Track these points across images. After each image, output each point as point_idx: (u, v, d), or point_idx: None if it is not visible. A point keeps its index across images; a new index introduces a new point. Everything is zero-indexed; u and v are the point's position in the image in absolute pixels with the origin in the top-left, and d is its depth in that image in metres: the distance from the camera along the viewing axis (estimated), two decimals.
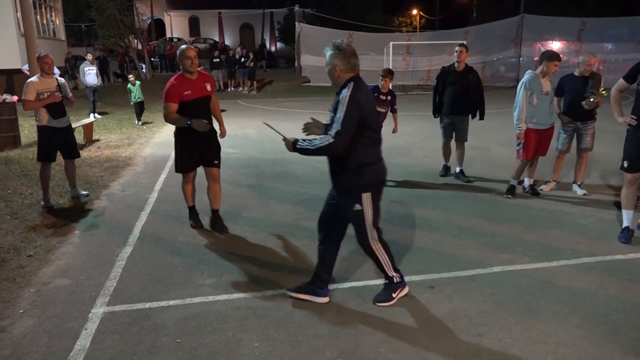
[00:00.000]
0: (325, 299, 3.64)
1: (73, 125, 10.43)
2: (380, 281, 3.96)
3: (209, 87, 4.79)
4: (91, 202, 6.19)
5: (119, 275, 4.17)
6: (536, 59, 20.82)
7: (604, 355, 3.06)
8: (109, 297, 3.79)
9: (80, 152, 9.34)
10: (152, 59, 28.29)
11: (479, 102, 6.59)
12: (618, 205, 5.60)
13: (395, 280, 3.63)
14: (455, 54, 6.51)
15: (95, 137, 10.74)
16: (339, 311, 3.56)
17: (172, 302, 3.70)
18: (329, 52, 3.23)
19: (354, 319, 3.46)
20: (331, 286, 3.89)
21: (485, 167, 7.65)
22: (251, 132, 11.19)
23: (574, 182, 6.41)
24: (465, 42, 6.68)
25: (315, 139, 3.18)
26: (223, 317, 3.50)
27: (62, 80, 6.25)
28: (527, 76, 5.81)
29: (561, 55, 5.95)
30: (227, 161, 8.28)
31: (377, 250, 3.50)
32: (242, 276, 4.13)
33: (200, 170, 5.05)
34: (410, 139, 9.73)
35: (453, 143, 6.90)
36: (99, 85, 14.19)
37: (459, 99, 6.52)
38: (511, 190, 6.14)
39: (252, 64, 20.66)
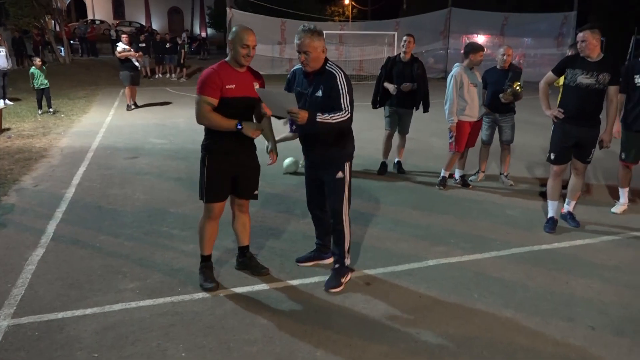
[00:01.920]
0: (330, 259, 3.97)
1: None
2: (316, 279, 3.83)
3: (255, 88, 3.48)
4: None
5: (27, 281, 3.74)
6: (462, 51, 21.53)
7: (537, 347, 3.09)
8: (14, 308, 3.39)
9: None
10: (71, 42, 26.48)
11: (424, 94, 6.52)
12: (543, 196, 5.81)
13: (346, 263, 3.75)
14: (403, 43, 6.34)
15: (5, 125, 9.83)
16: (272, 313, 3.38)
17: (89, 311, 3.36)
18: (314, 37, 3.33)
19: (289, 321, 3.30)
20: (263, 286, 3.71)
21: (419, 158, 7.72)
22: (180, 121, 10.71)
23: (500, 174, 6.59)
24: (412, 34, 6.55)
25: (330, 114, 3.30)
26: (147, 326, 3.21)
27: None
28: (455, 69, 5.85)
29: (485, 48, 6.05)
30: (153, 152, 7.92)
31: (345, 222, 3.67)
32: (169, 278, 3.84)
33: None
34: None
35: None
36: (9, 69, 13.01)
37: (405, 92, 6.41)
38: (443, 182, 6.21)
39: (183, 50, 19.86)
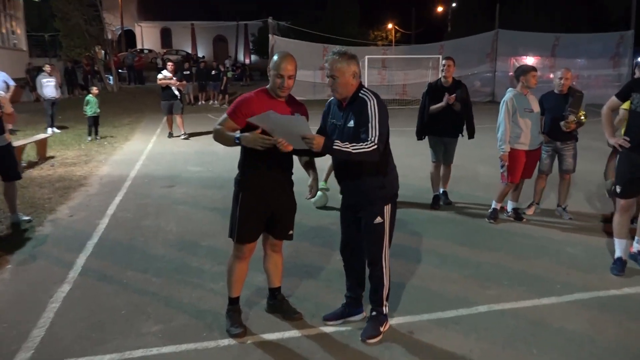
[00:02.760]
0: (362, 315, 3.63)
1: (26, 141, 9.94)
2: (352, 327, 3.51)
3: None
4: (33, 229, 5.61)
5: (49, 321, 3.61)
6: (510, 73, 20.92)
7: None
8: (32, 352, 3.24)
9: (32, 170, 8.84)
10: (119, 70, 27.58)
11: (468, 119, 6.21)
12: (607, 232, 5.30)
13: (384, 311, 3.46)
14: (442, 68, 6.10)
15: (50, 153, 10.10)
16: None
17: (107, 358, 3.16)
18: (344, 60, 3.12)
19: None
20: (294, 333, 3.43)
21: (465, 187, 7.34)
22: (219, 148, 10.62)
23: (557, 205, 6.11)
24: (451, 56, 6.27)
25: (353, 144, 3.01)
26: None
27: (1, 93, 5.67)
28: (508, 94, 5.50)
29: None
30: (190, 180, 7.88)
31: (385, 268, 3.37)
32: (195, 321, 3.63)
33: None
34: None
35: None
36: (58, 98, 13.49)
37: (449, 117, 6.10)
38: (494, 215, 5.80)
39: (225, 77, 20.18)
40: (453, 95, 5.95)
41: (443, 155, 6.35)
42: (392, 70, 22.21)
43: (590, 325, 3.58)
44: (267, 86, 3.30)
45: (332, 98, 3.35)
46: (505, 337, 3.42)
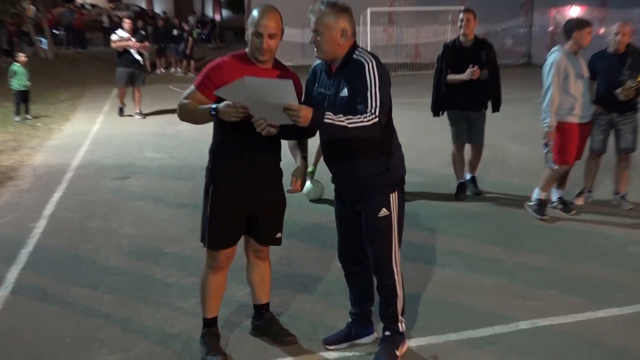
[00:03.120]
0: (373, 336, 3.61)
1: None
2: (361, 350, 3.51)
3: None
4: None
5: None
6: (551, 28, 20.93)
7: None
8: None
9: None
10: (54, 31, 27.31)
11: (495, 87, 6.21)
12: None
13: (400, 329, 3.45)
14: (461, 23, 6.08)
15: None
16: None
17: None
18: (331, 12, 3.07)
19: None
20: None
21: (496, 172, 7.36)
22: (185, 129, 10.60)
23: (615, 193, 6.15)
24: (471, 8, 6.23)
25: (349, 116, 2.94)
26: None
27: None
28: (556, 55, 5.47)
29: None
30: (149, 170, 7.85)
31: (397, 274, 3.35)
32: (161, 348, 3.60)
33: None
34: (400, 136, 9.36)
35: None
36: None
37: (473, 87, 6.07)
38: (540, 208, 5.75)
39: (190, 38, 20.07)
40: (477, 68, 5.90)
41: (468, 134, 6.35)
42: (402, 27, 22.14)
43: None
44: (246, 49, 3.26)
45: (318, 62, 3.31)
46: None
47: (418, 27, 21.81)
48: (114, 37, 11.63)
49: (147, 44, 12.85)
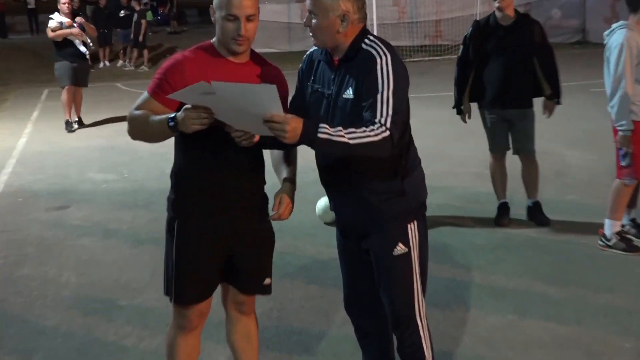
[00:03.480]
0: None
1: None
2: None
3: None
4: None
5: None
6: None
7: None
8: None
9: None
10: None
11: (550, 72, 6.17)
12: None
13: None
14: None
15: None
16: None
17: None
18: None
19: None
20: None
21: (550, 187, 7.35)
22: (140, 142, 10.66)
23: None
24: None
25: (350, 130, 2.86)
26: None
27: None
28: (624, 32, 5.41)
29: None
30: (95, 197, 7.90)
31: (422, 329, 3.31)
32: None
33: None
34: (420, 142, 9.36)
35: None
36: None
37: (514, 77, 6.10)
38: (626, 242, 5.68)
39: (143, 20, 20.16)
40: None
41: (513, 139, 6.37)
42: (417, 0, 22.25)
43: None
44: (212, 39, 3.25)
45: (314, 48, 3.29)
46: None
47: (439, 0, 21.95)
48: (51, 23, 11.45)
49: (92, 27, 12.69)
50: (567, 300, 4.89)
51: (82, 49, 11.57)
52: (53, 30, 11.33)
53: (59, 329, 4.76)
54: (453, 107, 6.52)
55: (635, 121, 5.44)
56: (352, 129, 2.85)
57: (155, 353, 4.29)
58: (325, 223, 6.25)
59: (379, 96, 2.93)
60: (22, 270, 5.84)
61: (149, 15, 22.59)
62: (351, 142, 2.83)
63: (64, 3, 11.59)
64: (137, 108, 3.16)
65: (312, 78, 3.25)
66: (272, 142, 3.05)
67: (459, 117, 6.59)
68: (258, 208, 3.38)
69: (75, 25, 11.51)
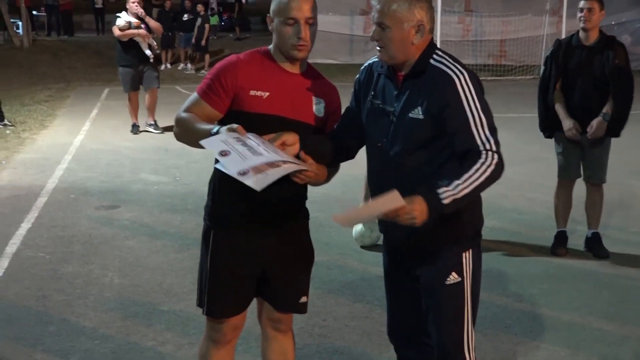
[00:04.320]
0: None
1: None
2: None
3: (319, 109, 3.19)
4: None
5: None
6: None
7: None
8: None
9: None
10: (34, 12, 28.00)
11: (621, 103, 5.93)
12: None
13: None
14: (580, 14, 5.91)
15: None
16: None
17: None
18: (403, 0, 2.88)
19: None
20: None
21: (614, 218, 7.17)
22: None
23: None
24: None
25: (459, 170, 2.80)
26: None
27: None
28: None
29: None
30: (145, 198, 7.91)
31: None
32: None
33: None
34: None
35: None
36: None
37: (594, 100, 5.92)
38: None
39: (207, 25, 20.36)
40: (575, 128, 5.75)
41: (585, 167, 6.18)
42: (482, 17, 22.16)
43: None
44: (269, 46, 3.20)
45: (375, 59, 3.18)
46: None
47: (504, 18, 21.74)
48: (119, 22, 11.15)
49: (159, 26, 12.37)
50: (624, 340, 4.72)
51: (148, 52, 11.31)
52: (121, 29, 11.07)
53: (97, 330, 4.75)
54: (543, 131, 6.29)
55: None
56: (466, 174, 2.76)
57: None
58: (362, 247, 6.15)
59: (471, 122, 2.85)
60: (67, 267, 5.86)
61: (214, 19, 22.84)
62: (473, 188, 2.76)
63: (133, 2, 11.32)
64: (186, 110, 3.14)
65: (372, 93, 3.12)
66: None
67: (519, 140, 6.43)
68: (297, 224, 3.32)
69: (142, 27, 11.29)
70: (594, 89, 5.92)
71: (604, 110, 5.91)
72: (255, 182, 2.69)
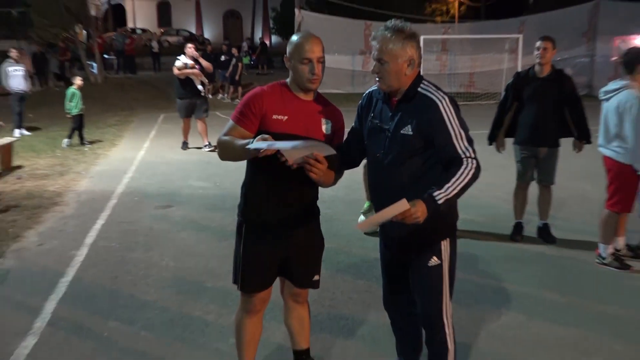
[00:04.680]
0: None
1: None
2: None
3: (327, 128, 3.18)
4: None
5: None
6: (614, 58, 20.42)
7: None
8: None
9: None
10: (105, 55, 28.16)
11: (579, 119, 5.92)
12: None
13: None
14: (537, 52, 5.85)
15: (17, 162, 10.30)
16: None
17: None
18: (398, 38, 2.90)
19: None
20: None
21: (567, 212, 7.09)
22: None
23: None
24: (550, 36, 5.98)
25: (446, 176, 2.85)
26: None
27: None
28: (635, 97, 5.05)
29: None
30: (192, 200, 7.88)
31: (448, 327, 3.18)
32: None
33: None
34: None
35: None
36: (28, 92, 13.80)
37: (545, 120, 5.88)
38: (619, 261, 5.43)
39: (240, 63, 20.40)
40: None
41: (539, 172, 6.12)
42: (456, 55, 22.04)
43: None
44: (287, 79, 3.20)
45: (374, 88, 3.17)
46: None
47: (473, 55, 21.66)
48: (177, 63, 11.08)
49: (209, 64, 12.13)
50: (568, 307, 4.67)
51: (200, 87, 11.29)
52: (179, 69, 10.99)
53: (156, 303, 4.76)
54: (489, 140, 6.29)
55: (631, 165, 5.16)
56: (453, 178, 2.81)
57: (230, 328, 4.19)
58: (365, 233, 6.09)
59: (453, 136, 2.89)
60: (133, 254, 5.87)
61: (246, 59, 22.88)
62: (459, 188, 2.82)
63: (190, 47, 11.36)
64: (225, 134, 3.13)
65: (372, 114, 3.12)
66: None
67: (486, 150, 6.36)
68: (311, 219, 3.32)
69: (196, 67, 11.19)
70: (546, 111, 5.86)
71: (575, 134, 5.96)
72: (287, 152, 2.76)
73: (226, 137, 3.11)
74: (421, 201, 2.74)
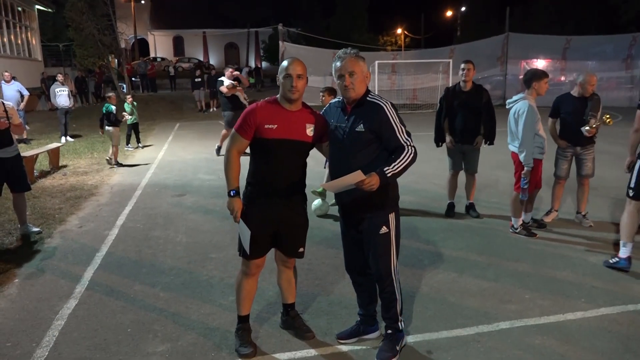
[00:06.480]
0: (377, 333, 3.43)
1: (39, 150, 9.83)
2: (367, 345, 3.30)
3: (310, 131, 3.09)
4: (42, 240, 5.48)
5: (53, 340, 3.44)
6: (521, 77, 20.60)
7: None
8: None
9: (44, 180, 8.73)
10: (132, 78, 27.62)
11: (490, 125, 5.91)
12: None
13: (400, 327, 3.24)
14: (462, 72, 5.82)
15: (63, 162, 10.03)
16: None
17: None
18: (359, 59, 3.01)
19: None
20: (307, 352, 3.23)
21: (482, 194, 7.06)
22: None
23: (577, 212, 5.85)
24: (471, 60, 5.97)
25: (393, 158, 2.90)
26: None
27: (9, 104, 5.55)
28: (526, 102, 5.07)
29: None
30: (201, 189, 7.73)
31: (396, 282, 3.15)
32: (203, 339, 3.44)
33: None
34: None
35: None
36: (72, 107, 13.47)
37: (469, 124, 5.84)
38: (528, 231, 5.43)
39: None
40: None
41: (465, 164, 6.07)
42: (402, 75, 22.03)
43: (621, 345, 3.32)
44: (277, 96, 3.13)
45: (334, 101, 3.21)
46: (532, 359, 3.18)
47: (415, 75, 21.69)
48: (226, 83, 10.24)
49: (247, 80, 11.10)
50: (489, 266, 4.66)
51: (244, 101, 10.57)
52: (228, 88, 10.26)
53: (172, 270, 4.65)
54: (435, 143, 6.17)
55: (535, 159, 5.16)
56: (398, 160, 2.87)
57: (230, 288, 4.15)
58: (318, 216, 6.03)
59: (396, 130, 2.94)
60: (154, 232, 5.74)
61: (252, 79, 22.51)
62: (403, 167, 2.88)
63: (229, 71, 10.67)
64: (231, 145, 3.11)
65: (332, 120, 3.13)
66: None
67: (426, 148, 6.33)
68: (299, 202, 3.24)
69: (238, 87, 10.48)
70: (469, 118, 5.83)
71: (481, 131, 5.89)
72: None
73: (231, 160, 3.12)
74: (375, 174, 2.80)
